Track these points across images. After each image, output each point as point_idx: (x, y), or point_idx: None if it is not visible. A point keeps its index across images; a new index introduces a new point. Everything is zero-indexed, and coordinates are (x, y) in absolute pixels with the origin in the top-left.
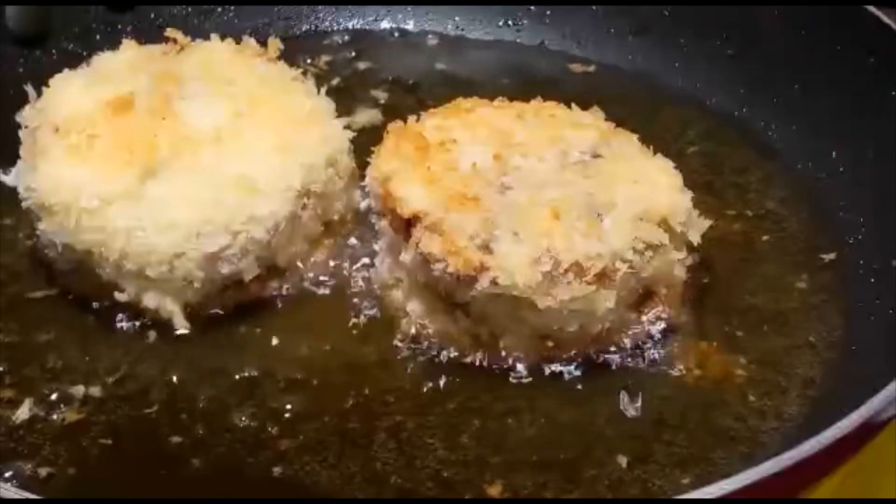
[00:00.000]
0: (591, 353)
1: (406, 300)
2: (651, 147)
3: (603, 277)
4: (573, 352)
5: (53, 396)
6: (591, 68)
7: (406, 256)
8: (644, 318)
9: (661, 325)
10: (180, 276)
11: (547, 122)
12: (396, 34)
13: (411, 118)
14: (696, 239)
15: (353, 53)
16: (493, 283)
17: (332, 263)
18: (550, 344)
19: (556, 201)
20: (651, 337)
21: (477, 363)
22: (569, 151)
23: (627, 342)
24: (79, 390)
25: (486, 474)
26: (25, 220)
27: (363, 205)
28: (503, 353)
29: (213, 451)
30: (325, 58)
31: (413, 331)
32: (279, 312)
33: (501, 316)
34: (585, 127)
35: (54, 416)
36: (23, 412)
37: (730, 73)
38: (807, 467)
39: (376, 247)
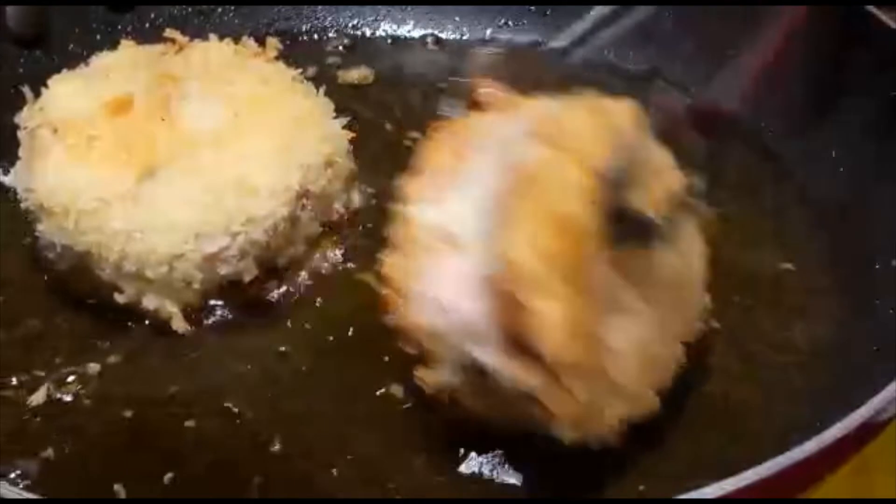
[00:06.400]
0: None
1: None
2: None
3: None
4: None
5: (52, 397)
6: (592, 68)
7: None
8: None
9: None
10: (179, 277)
11: None
12: (396, 35)
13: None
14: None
15: (353, 54)
16: None
17: (331, 264)
18: None
19: None
20: None
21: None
22: None
23: None
24: (77, 391)
25: (487, 474)
26: (25, 221)
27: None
28: None
29: (213, 451)
30: (324, 58)
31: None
32: (278, 313)
33: None
34: None
35: (52, 417)
36: (19, 410)
37: (730, 73)
38: (807, 467)
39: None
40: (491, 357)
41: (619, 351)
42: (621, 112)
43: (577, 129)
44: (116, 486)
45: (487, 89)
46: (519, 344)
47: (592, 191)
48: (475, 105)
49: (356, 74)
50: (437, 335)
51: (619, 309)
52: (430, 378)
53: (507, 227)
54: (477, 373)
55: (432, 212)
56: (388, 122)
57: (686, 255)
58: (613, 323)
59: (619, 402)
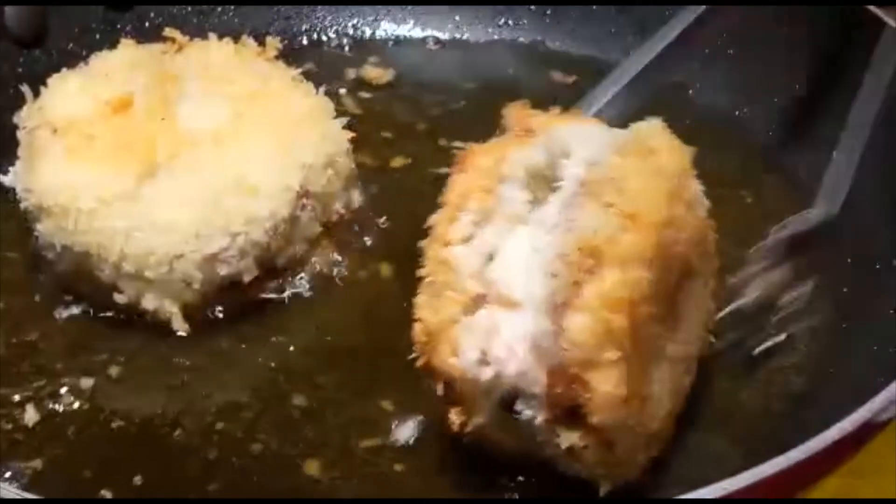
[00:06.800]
0: None
1: None
2: None
3: None
4: None
5: (49, 399)
6: (592, 68)
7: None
8: None
9: None
10: (179, 277)
11: None
12: (396, 34)
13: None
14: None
15: (353, 53)
16: None
17: (331, 264)
18: None
19: None
20: None
21: None
22: None
23: None
24: (76, 392)
25: (487, 475)
26: (24, 222)
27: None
28: None
29: (211, 452)
30: (324, 57)
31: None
32: (278, 314)
33: None
34: None
35: (52, 417)
36: (21, 413)
37: (730, 73)
38: (807, 467)
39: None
40: (534, 413)
41: (657, 398)
42: (673, 157)
43: (637, 188)
44: (103, 492)
45: (516, 111)
46: (567, 407)
47: (653, 262)
48: (502, 128)
49: (381, 73)
50: (474, 383)
51: (658, 356)
52: (461, 419)
53: (569, 304)
54: (509, 413)
55: (468, 256)
56: (391, 123)
57: (706, 275)
58: (654, 373)
59: (650, 445)
